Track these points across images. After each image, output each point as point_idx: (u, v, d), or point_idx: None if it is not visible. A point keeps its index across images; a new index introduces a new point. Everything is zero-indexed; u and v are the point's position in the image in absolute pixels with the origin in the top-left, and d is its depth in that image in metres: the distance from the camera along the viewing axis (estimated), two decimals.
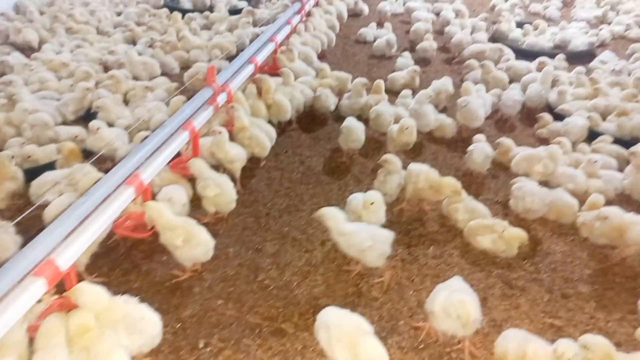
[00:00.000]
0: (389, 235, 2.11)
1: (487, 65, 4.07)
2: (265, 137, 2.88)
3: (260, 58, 3.53)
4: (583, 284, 2.26)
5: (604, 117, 3.51)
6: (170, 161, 2.34)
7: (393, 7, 6.42)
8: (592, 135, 3.34)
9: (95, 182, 1.92)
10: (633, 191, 2.80)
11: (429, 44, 4.94)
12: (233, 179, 2.65)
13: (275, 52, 3.90)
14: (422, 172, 2.56)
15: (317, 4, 5.74)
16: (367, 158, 3.18)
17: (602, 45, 5.46)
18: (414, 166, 2.62)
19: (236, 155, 2.56)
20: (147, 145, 2.12)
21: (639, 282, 2.26)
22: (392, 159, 2.63)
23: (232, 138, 2.79)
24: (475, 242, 2.36)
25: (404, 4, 6.65)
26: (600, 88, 3.66)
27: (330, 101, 3.54)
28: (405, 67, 4.37)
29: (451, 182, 2.50)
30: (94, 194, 1.78)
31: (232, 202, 2.37)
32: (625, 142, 3.22)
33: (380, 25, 5.72)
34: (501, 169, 3.09)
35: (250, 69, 3.33)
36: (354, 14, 6.44)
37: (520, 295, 2.17)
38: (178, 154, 2.46)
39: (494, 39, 5.31)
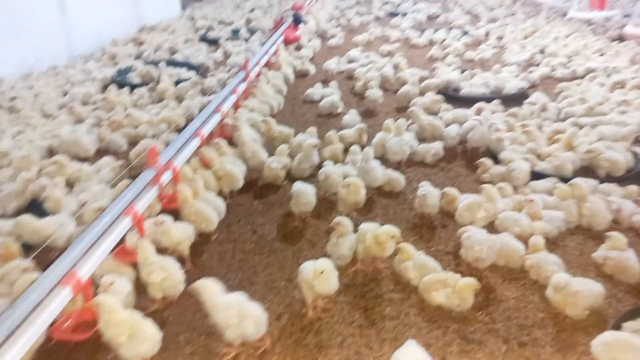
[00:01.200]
0: (260, 312, 2.06)
1: (414, 111, 4.27)
2: (212, 212, 2.86)
3: (206, 130, 3.57)
4: (537, 329, 2.29)
5: (539, 157, 3.70)
6: (113, 249, 2.28)
7: (338, 65, 6.67)
8: (534, 176, 3.51)
9: (31, 284, 1.83)
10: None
11: (374, 92, 5.21)
12: (182, 259, 2.61)
13: (222, 122, 3.95)
14: (369, 229, 2.60)
15: (268, 64, 5.94)
16: (320, 219, 3.20)
17: (533, 86, 5.82)
18: (364, 226, 2.65)
19: (182, 236, 2.53)
20: (85, 239, 2.06)
21: (589, 320, 2.30)
22: (342, 222, 2.66)
23: (178, 214, 2.77)
24: (430, 298, 2.37)
25: (348, 62, 6.93)
26: (530, 131, 3.87)
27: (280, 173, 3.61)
28: (352, 123, 4.51)
29: (388, 230, 2.53)
30: (26, 299, 1.70)
31: (180, 284, 2.30)
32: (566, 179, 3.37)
33: (326, 83, 5.94)
34: (449, 218, 3.17)
35: (196, 142, 3.35)
36: (302, 74, 6.68)
37: (478, 350, 2.17)
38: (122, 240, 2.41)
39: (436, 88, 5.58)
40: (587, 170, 3.60)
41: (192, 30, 9.38)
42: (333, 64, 6.52)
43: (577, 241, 2.94)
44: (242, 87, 4.62)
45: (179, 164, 2.96)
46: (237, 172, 3.36)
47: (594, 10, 7.70)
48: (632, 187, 3.24)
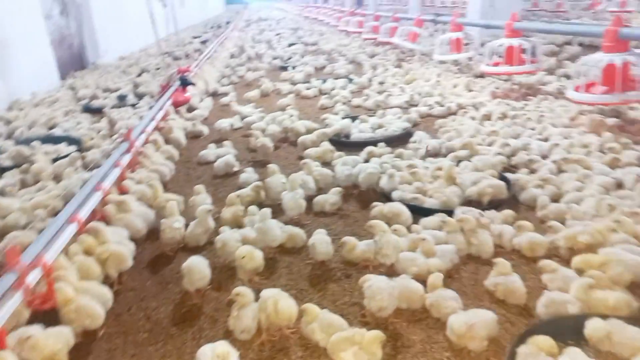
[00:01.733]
0: None
1: (307, 164, 4.36)
2: (96, 305, 2.57)
3: (85, 213, 3.27)
4: None
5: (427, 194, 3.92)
6: None
7: (232, 123, 6.64)
8: (423, 212, 3.68)
9: None
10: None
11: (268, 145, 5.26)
12: None
13: (103, 201, 3.66)
14: (270, 296, 2.50)
15: (158, 128, 5.72)
16: (221, 291, 3.02)
17: (415, 125, 6.26)
18: (265, 293, 2.55)
19: (57, 344, 2.21)
20: None
21: (490, 350, 2.38)
22: (242, 292, 2.54)
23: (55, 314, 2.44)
24: (340, 359, 2.30)
25: (242, 119, 6.95)
26: (415, 171, 4.11)
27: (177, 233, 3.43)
28: (250, 181, 4.45)
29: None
30: None
31: None
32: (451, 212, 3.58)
33: (220, 143, 5.86)
34: (352, 267, 3.18)
35: (72, 229, 3.04)
36: (194, 136, 6.55)
37: None
38: None
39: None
40: (471, 200, 3.87)
41: (74, 100, 8.86)
42: (226, 123, 6.49)
43: (470, 271, 3.09)
44: (126, 159, 4.37)
45: (51, 258, 2.65)
46: (125, 251, 3.10)
47: (453, 53, 8.60)
48: (508, 212, 3.52)
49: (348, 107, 7.56)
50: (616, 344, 2.14)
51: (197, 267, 2.86)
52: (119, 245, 3.12)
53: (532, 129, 5.40)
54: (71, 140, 6.10)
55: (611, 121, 5.35)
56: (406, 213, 3.60)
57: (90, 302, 2.54)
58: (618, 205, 3.37)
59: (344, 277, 3.11)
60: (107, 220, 3.43)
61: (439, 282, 2.67)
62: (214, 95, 8.83)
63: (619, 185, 3.88)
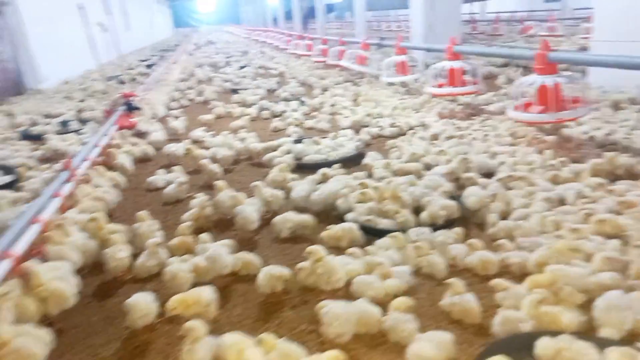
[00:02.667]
0: None
1: (257, 186, 4.31)
2: (33, 347, 2.37)
3: (21, 248, 3.03)
4: None
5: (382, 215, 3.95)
6: None
7: (181, 147, 6.45)
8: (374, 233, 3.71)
9: None
10: None
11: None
12: None
13: (44, 231, 3.42)
14: (233, 344, 2.35)
15: (103, 154, 5.47)
16: (173, 323, 2.87)
17: (367, 145, 6.34)
18: (228, 338, 2.40)
19: None
20: None
21: None
22: (194, 326, 2.41)
23: None
24: None
25: (192, 142, 6.78)
26: (367, 192, 4.13)
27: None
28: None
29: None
30: None
31: None
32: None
33: (169, 168, 5.68)
34: (309, 292, 3.12)
35: (5, 265, 2.81)
36: (142, 161, 6.33)
37: None
38: None
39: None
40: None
41: (10, 127, 8.35)
42: (175, 147, 6.32)
43: (426, 292, 3.10)
44: (66, 189, 4.12)
45: None
46: (67, 288, 2.88)
47: (399, 75, 8.89)
48: (458, 230, 3.60)
49: (301, 129, 7.58)
50: None
51: (141, 304, 2.71)
52: (61, 281, 2.90)
53: (478, 148, 5.61)
54: (7, 170, 5.71)
55: (550, 139, 5.66)
56: (358, 234, 3.61)
57: (28, 343, 2.33)
58: (561, 221, 3.53)
59: (301, 304, 3.04)
60: (45, 256, 3.20)
61: (406, 305, 2.65)
62: (163, 120, 8.61)
63: (562, 202, 4.06)
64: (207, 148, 6.27)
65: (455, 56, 7.13)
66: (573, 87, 5.38)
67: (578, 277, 2.79)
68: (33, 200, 4.04)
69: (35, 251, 3.25)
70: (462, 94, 7.66)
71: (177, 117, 8.61)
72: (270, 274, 3.05)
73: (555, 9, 24.64)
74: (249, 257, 3.39)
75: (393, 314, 2.62)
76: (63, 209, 3.93)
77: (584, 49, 12.21)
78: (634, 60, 4.53)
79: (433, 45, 8.28)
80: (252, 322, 2.86)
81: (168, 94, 11.10)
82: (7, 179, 5.39)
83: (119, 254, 3.31)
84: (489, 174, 4.82)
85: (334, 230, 3.68)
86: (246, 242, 3.87)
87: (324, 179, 4.78)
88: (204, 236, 3.62)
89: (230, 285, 3.28)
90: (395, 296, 2.82)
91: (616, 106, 6.94)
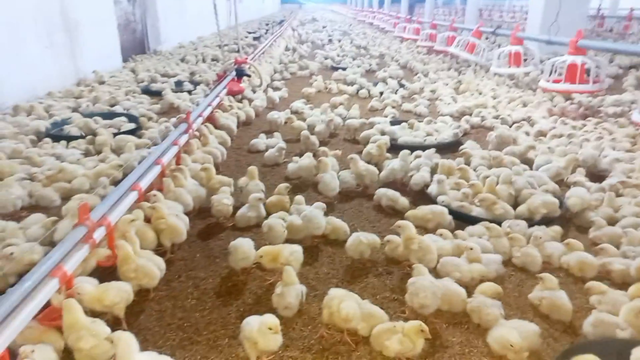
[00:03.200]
0: None
1: (354, 159, 4.40)
2: (153, 266, 2.73)
3: (145, 184, 3.46)
4: None
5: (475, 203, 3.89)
6: (37, 314, 2.10)
7: (282, 115, 6.75)
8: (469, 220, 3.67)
9: None
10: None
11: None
12: (117, 320, 2.45)
13: (162, 174, 3.85)
14: (335, 296, 2.47)
15: (211, 118, 5.93)
16: (265, 271, 3.12)
17: (465, 134, 6.18)
18: (333, 292, 2.54)
19: (117, 298, 2.38)
20: (4, 305, 1.88)
21: None
22: (287, 271, 2.63)
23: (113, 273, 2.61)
24: (384, 348, 2.33)
25: (292, 112, 7.07)
26: (461, 182, 4.07)
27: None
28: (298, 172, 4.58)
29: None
30: None
31: (110, 351, 2.13)
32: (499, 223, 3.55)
33: (270, 133, 6.01)
34: (394, 264, 3.21)
35: (133, 196, 3.23)
36: (246, 124, 6.75)
37: None
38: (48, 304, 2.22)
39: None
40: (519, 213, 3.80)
41: (134, 82, 9.28)
42: (277, 115, 6.64)
43: (515, 282, 3.05)
44: (183, 139, 4.56)
45: (114, 219, 2.83)
46: (181, 225, 3.26)
47: (512, 66, 8.42)
48: (557, 228, 3.45)
49: (398, 111, 7.56)
50: None
51: (242, 248, 2.97)
52: (177, 218, 3.27)
53: (589, 150, 5.23)
54: (131, 118, 6.41)
55: None
56: (448, 219, 3.61)
57: (149, 262, 2.69)
58: None
59: (385, 274, 3.14)
60: (163, 193, 3.61)
61: (491, 290, 2.65)
62: (267, 88, 9.03)
63: None
64: (304, 120, 6.50)
65: (579, 51, 6.59)
66: None
67: None
68: (155, 146, 4.53)
69: (157, 187, 3.68)
70: (580, 92, 7.09)
71: (278, 89, 9.00)
72: (360, 239, 3.17)
73: None
74: (339, 223, 3.55)
75: (479, 297, 2.63)
76: (178, 157, 4.37)
77: None
78: None
79: (554, 38, 7.70)
80: (338, 282, 3.02)
81: (273, 66, 11.58)
82: (131, 125, 6.06)
83: (224, 200, 3.64)
84: (598, 178, 4.51)
85: (422, 211, 3.70)
86: (331, 208, 4.03)
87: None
88: (300, 197, 3.83)
89: (320, 246, 3.47)
90: (482, 281, 2.82)
91: None
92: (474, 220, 3.64)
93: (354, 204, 4.22)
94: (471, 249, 3.01)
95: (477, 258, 3.02)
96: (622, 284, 2.87)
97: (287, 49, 15.35)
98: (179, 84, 9.03)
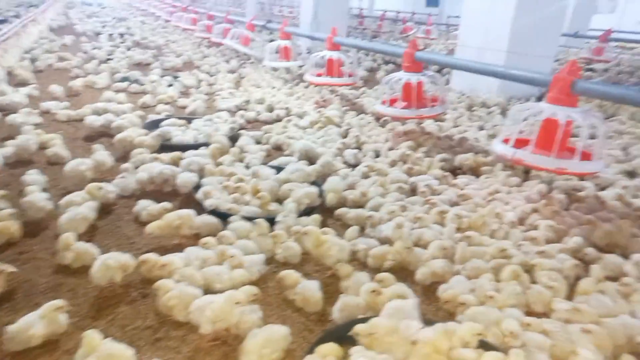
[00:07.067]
0: None
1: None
2: None
3: None
4: None
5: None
6: None
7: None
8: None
9: None
10: None
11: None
12: None
13: None
14: None
15: None
16: None
17: (242, 129, 6.14)
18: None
19: None
20: None
21: None
22: None
23: None
24: None
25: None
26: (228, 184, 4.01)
27: None
28: None
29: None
30: None
31: None
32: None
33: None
34: (151, 285, 2.90)
35: None
36: None
37: None
38: None
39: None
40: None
41: None
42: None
43: (276, 279, 3.07)
44: None
45: None
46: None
47: (282, 60, 8.83)
48: (316, 217, 3.63)
49: (173, 107, 7.12)
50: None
51: None
52: None
53: (346, 138, 5.77)
54: None
55: (411, 133, 6.04)
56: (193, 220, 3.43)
57: None
58: (410, 209, 3.78)
59: (140, 298, 2.81)
60: None
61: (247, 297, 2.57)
62: None
63: (413, 191, 4.34)
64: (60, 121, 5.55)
65: (335, 46, 7.24)
66: (436, 87, 5.77)
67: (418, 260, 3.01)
68: None
69: None
70: (338, 85, 7.84)
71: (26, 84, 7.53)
72: (107, 263, 2.76)
73: (434, 14, 26.61)
74: (82, 247, 3.03)
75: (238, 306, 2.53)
76: None
77: (451, 52, 13.35)
78: (484, 67, 4.99)
79: (315, 34, 8.34)
80: (78, 320, 2.57)
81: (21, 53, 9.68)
82: None
83: None
84: (355, 164, 4.98)
85: (168, 218, 3.35)
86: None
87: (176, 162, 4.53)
88: None
89: (59, 279, 2.92)
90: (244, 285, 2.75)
91: (470, 108, 7.67)
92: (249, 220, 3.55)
93: (112, 218, 3.72)
94: (232, 256, 2.92)
95: (239, 264, 2.94)
96: (365, 266, 3.17)
97: (42, 36, 13.07)
98: None
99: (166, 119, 6.17)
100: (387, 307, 2.42)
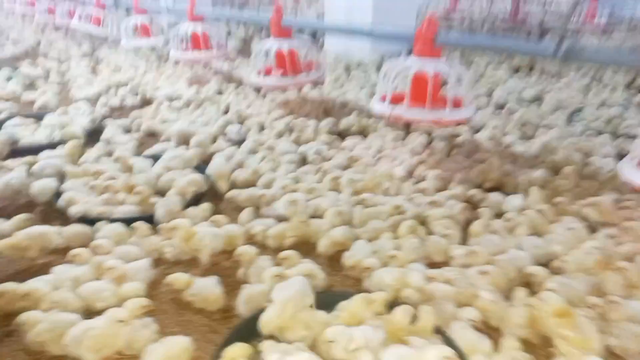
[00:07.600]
0: None
1: None
2: None
3: None
4: None
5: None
6: None
7: None
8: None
9: None
10: None
11: None
12: None
13: None
14: None
15: None
16: None
17: (104, 119, 5.44)
18: None
19: None
20: None
21: None
22: None
23: None
24: None
25: None
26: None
27: None
28: None
29: None
30: None
31: None
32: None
33: None
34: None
35: None
36: None
37: None
38: None
39: None
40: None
41: None
42: None
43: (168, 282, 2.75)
44: None
45: None
46: None
47: (143, 38, 8.02)
48: (205, 206, 3.33)
49: (17, 104, 6.08)
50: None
51: None
52: None
53: (227, 114, 5.44)
54: None
55: (294, 101, 5.89)
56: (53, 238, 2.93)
57: None
58: (303, 179, 3.66)
59: (3, 337, 2.32)
60: None
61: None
62: None
63: (304, 160, 4.21)
64: None
65: (196, 18, 6.67)
66: (310, 52, 5.62)
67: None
68: None
69: None
70: (208, 59, 7.32)
71: None
72: None
73: None
74: None
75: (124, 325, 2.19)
76: None
77: (321, 16, 13.31)
78: (352, 27, 4.97)
79: (173, 6, 7.64)
80: None
81: None
82: None
83: None
84: (240, 141, 4.68)
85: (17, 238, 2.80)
86: None
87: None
88: None
89: None
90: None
91: (348, 69, 7.72)
92: (129, 222, 3.11)
93: None
94: (110, 268, 2.53)
95: (122, 276, 2.55)
96: (265, 247, 2.98)
97: None
98: None
99: (9, 118, 5.23)
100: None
